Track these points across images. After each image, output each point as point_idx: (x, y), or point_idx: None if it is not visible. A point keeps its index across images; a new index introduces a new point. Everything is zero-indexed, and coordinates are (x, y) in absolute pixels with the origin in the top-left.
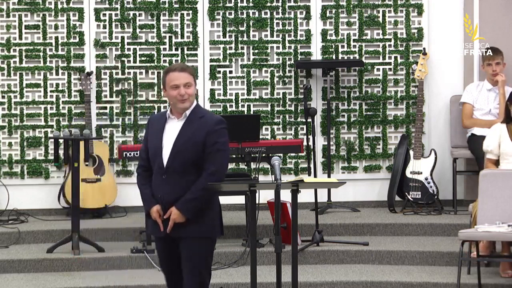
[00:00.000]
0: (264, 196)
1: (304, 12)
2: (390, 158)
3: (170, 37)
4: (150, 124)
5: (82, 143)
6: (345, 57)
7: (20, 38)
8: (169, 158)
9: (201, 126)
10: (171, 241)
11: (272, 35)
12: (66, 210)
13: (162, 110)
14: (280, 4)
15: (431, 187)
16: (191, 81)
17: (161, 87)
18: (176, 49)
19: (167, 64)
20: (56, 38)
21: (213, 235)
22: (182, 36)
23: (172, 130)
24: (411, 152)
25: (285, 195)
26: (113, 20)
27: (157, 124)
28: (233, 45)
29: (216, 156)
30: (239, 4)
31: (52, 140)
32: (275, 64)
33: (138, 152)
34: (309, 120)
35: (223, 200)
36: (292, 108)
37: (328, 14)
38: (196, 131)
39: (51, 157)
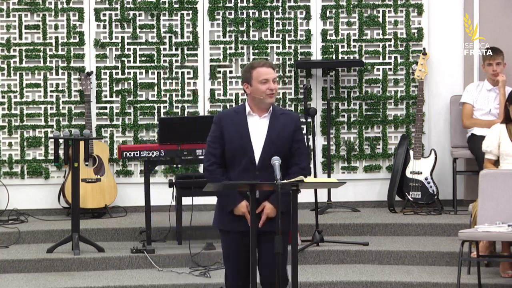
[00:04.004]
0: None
1: (304, 12)
2: (390, 158)
3: (170, 37)
4: (223, 121)
5: (82, 143)
6: (345, 57)
7: (20, 38)
8: (261, 154)
9: (287, 122)
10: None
11: (272, 35)
12: (66, 210)
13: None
14: (280, 4)
15: (431, 187)
16: (276, 78)
17: (243, 82)
18: (176, 49)
19: (167, 64)
20: (56, 38)
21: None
22: (182, 36)
23: (258, 127)
24: (411, 152)
25: None
26: (113, 20)
27: (235, 121)
28: (233, 45)
29: (304, 152)
30: (239, 4)
31: (52, 140)
32: (275, 64)
33: (207, 150)
34: (309, 120)
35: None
36: (292, 108)
37: (328, 14)
38: (284, 127)
39: (51, 157)
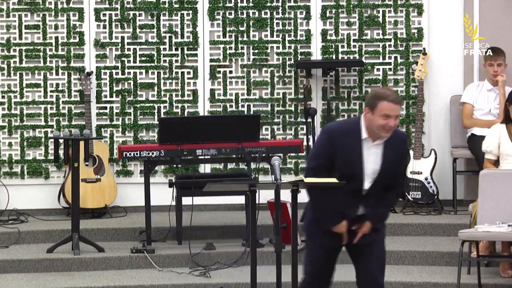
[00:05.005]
0: (264, 196)
1: (304, 12)
2: None
3: (170, 37)
4: (336, 141)
5: (82, 143)
6: (345, 57)
7: (20, 38)
8: (372, 184)
9: (396, 150)
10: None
11: (272, 35)
12: (66, 210)
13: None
14: (280, 4)
15: (431, 187)
16: (399, 114)
17: (366, 106)
18: (176, 49)
19: (167, 64)
20: (56, 38)
21: None
22: (182, 36)
23: (372, 155)
24: (411, 152)
25: (285, 195)
26: (113, 20)
27: (349, 144)
28: (233, 45)
29: (402, 175)
30: (239, 4)
31: (52, 140)
32: (275, 64)
33: (312, 162)
34: (309, 120)
35: (223, 200)
36: (292, 108)
37: (328, 14)
38: (396, 154)
39: (51, 157)
